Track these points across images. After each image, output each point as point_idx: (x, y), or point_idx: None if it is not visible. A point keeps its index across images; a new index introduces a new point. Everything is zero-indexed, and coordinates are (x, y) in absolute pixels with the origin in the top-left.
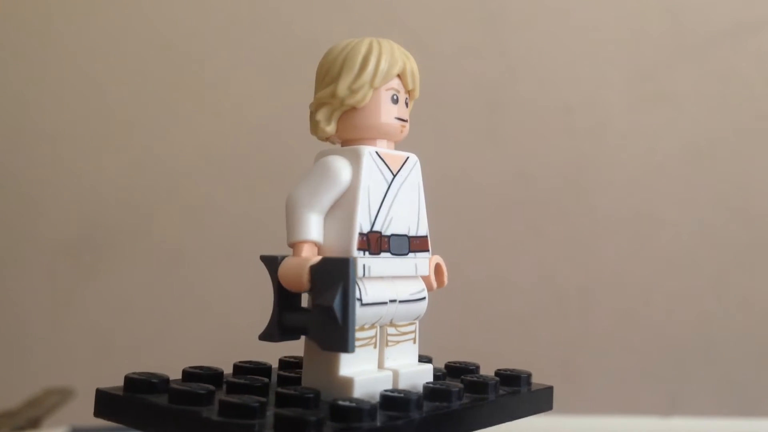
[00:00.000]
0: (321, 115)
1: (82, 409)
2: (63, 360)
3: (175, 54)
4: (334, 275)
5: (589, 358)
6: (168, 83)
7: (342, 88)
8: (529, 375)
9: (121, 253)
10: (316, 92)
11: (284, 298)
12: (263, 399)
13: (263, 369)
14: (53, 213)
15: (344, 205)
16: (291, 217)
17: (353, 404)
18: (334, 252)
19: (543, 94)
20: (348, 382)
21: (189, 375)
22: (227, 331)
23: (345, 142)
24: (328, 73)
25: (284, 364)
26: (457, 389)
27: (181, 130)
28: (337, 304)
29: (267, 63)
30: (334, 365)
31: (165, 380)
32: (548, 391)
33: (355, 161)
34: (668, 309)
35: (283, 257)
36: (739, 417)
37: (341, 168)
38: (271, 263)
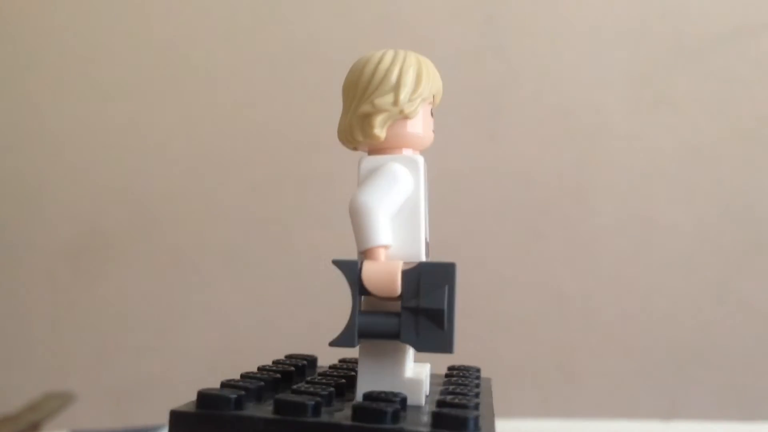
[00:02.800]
0: (378, 121)
1: (82, 413)
2: (63, 364)
3: (178, 58)
4: (437, 279)
5: (590, 362)
6: (170, 87)
7: (404, 97)
8: (478, 369)
9: (122, 256)
10: (366, 99)
11: (363, 303)
12: (396, 405)
13: (287, 373)
14: (54, 216)
15: (407, 211)
16: (366, 222)
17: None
18: (401, 257)
19: (543, 97)
20: (418, 384)
21: (242, 383)
22: (227, 334)
23: (378, 150)
24: (383, 82)
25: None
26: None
27: (183, 134)
28: (446, 306)
29: (269, 67)
30: (399, 368)
31: (243, 392)
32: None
33: (414, 169)
34: (668, 312)
35: (362, 262)
36: (740, 421)
37: (408, 175)
38: (350, 268)
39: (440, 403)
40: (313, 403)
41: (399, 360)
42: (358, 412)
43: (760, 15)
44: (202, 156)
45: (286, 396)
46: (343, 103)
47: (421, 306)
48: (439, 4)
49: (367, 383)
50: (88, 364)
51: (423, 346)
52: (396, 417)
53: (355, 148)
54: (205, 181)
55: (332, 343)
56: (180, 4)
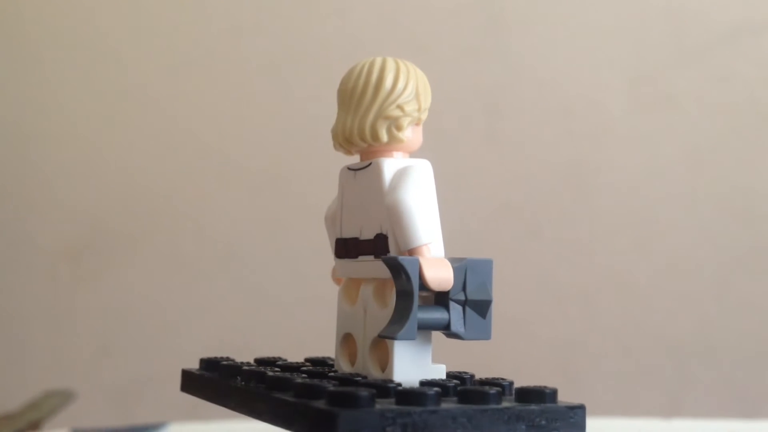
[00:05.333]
0: (404, 124)
1: (83, 412)
2: (63, 362)
3: (178, 58)
4: (480, 274)
5: (591, 360)
6: (170, 87)
7: (423, 105)
8: None
9: (122, 257)
10: (392, 103)
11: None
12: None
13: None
14: (54, 217)
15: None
16: (418, 220)
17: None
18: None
19: (543, 96)
20: (441, 369)
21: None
22: (227, 334)
23: (372, 153)
24: (406, 90)
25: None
26: None
27: (183, 134)
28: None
29: (266, 69)
30: (426, 356)
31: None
32: None
33: (431, 171)
34: (669, 311)
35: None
36: (740, 419)
37: (432, 176)
38: (412, 265)
39: (489, 383)
40: (433, 393)
41: (427, 350)
42: (468, 395)
43: (761, 14)
44: (203, 156)
45: (409, 389)
46: (350, 104)
47: (468, 298)
48: (439, 4)
49: (401, 371)
50: (88, 362)
51: (469, 335)
52: (499, 398)
53: (349, 152)
54: (205, 181)
55: (398, 336)
56: (181, 4)
